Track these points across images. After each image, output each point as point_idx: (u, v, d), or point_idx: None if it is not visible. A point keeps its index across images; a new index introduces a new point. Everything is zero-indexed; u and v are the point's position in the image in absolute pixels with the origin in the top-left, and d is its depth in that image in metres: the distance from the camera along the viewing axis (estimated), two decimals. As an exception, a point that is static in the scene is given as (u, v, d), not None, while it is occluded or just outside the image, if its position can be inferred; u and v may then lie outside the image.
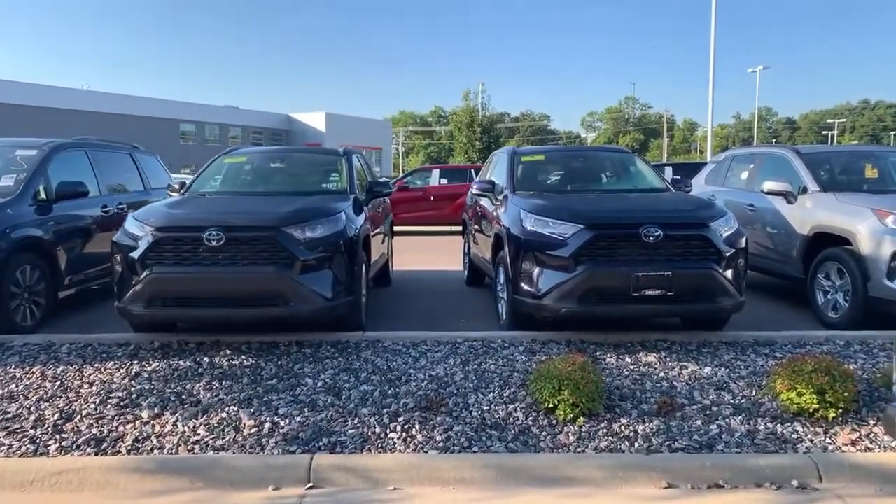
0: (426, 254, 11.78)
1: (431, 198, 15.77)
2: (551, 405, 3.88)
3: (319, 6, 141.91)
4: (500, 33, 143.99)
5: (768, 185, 6.49)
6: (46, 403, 4.05)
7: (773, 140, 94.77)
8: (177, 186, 6.19)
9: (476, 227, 7.19)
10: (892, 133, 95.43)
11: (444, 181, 16.15)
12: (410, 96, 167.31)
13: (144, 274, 4.68)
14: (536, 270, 4.90)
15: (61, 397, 4.14)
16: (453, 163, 47.23)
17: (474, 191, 6.51)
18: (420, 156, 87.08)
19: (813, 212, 6.09)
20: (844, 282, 5.65)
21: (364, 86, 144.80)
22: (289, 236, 4.76)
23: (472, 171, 16.81)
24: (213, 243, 4.63)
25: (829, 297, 5.88)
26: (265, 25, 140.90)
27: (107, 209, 6.86)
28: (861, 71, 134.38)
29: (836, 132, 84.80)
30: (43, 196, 5.99)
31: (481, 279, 7.97)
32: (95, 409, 3.98)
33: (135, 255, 4.74)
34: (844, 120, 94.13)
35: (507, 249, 5.24)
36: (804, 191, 6.32)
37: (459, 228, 16.04)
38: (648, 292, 4.69)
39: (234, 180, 6.37)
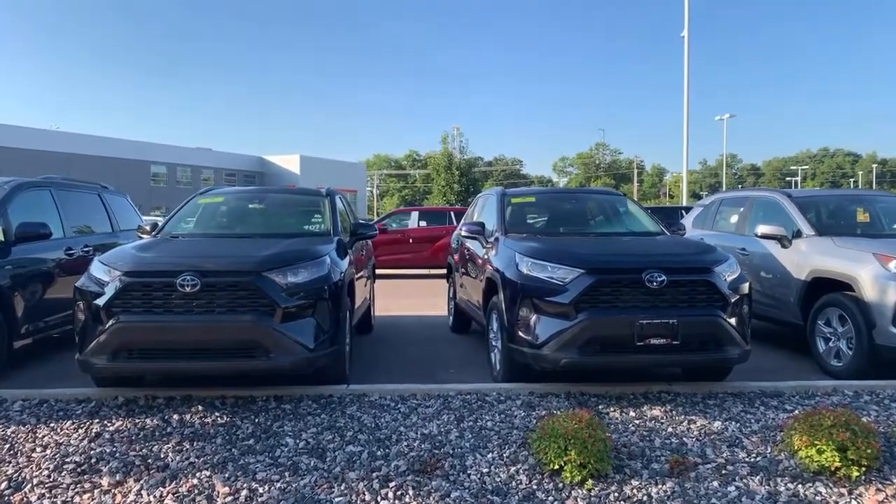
0: (406, 298, 11.46)
1: (410, 240, 15.52)
2: (557, 466, 3.57)
3: (293, 48, 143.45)
4: (473, 79, 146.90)
5: (761, 229, 6.36)
6: (-8, 470, 3.60)
7: (739, 186, 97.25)
8: (147, 228, 5.81)
9: (463, 270, 6.92)
10: (851, 179, 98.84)
11: (423, 223, 15.94)
12: (385, 140, 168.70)
13: (110, 323, 4.29)
14: (534, 318, 4.63)
15: (10, 463, 3.69)
16: (428, 205, 47.25)
17: (463, 233, 6.26)
18: (394, 198, 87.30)
19: (809, 256, 5.96)
20: (847, 329, 5.48)
21: (338, 129, 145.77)
22: (270, 282, 4.42)
23: (452, 213, 16.66)
24: (187, 289, 4.27)
25: (830, 344, 5.69)
26: (239, 67, 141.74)
27: (71, 252, 6.44)
28: (820, 121, 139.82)
29: (799, 178, 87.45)
30: (1, 238, 5.57)
31: (467, 325, 7.66)
32: (49, 476, 3.54)
33: (100, 302, 4.35)
34: (807, 167, 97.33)
35: (501, 295, 4.97)
36: (798, 234, 6.20)
37: (439, 272, 15.88)
38: (653, 341, 4.43)
39: (210, 222, 6.03)
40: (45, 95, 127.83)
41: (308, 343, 4.49)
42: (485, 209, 6.81)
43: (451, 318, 8.02)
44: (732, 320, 4.60)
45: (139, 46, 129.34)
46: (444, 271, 15.43)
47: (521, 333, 4.71)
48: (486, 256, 5.75)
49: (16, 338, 5.56)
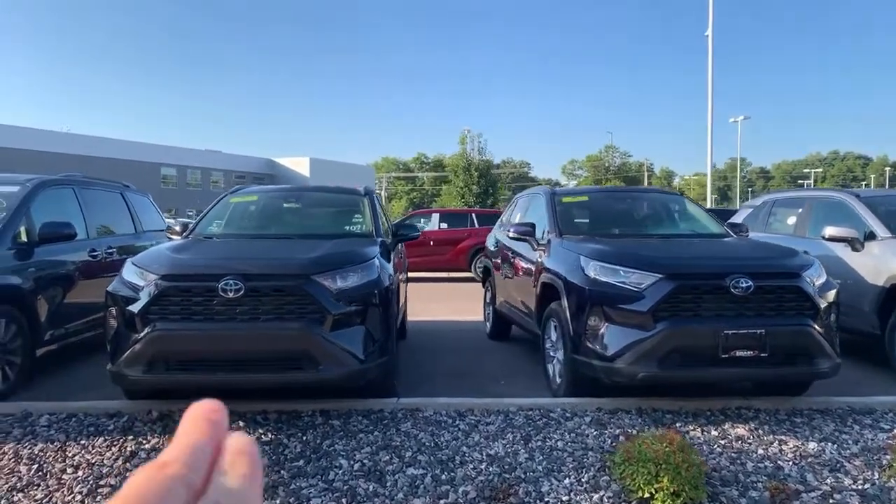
0: (432, 302, 11.07)
1: (431, 243, 15.13)
2: (647, 494, 3.20)
3: (295, 51, 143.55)
4: (477, 80, 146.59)
5: (830, 231, 5.96)
6: (21, 494, 3.26)
7: (749, 189, 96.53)
8: (178, 228, 5.46)
9: (507, 274, 6.54)
10: (863, 183, 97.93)
11: (444, 225, 15.56)
12: (392, 142, 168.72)
13: (146, 331, 3.92)
14: (605, 327, 4.24)
15: (39, 486, 3.34)
16: (436, 207, 46.83)
17: (510, 234, 5.86)
18: (403, 201, 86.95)
19: (886, 260, 5.55)
20: (935, 339, 5.07)
21: (347, 132, 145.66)
22: (319, 286, 4.05)
23: (474, 215, 16.29)
24: (230, 294, 3.91)
25: (914, 355, 5.28)
26: (247, 70, 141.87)
27: (95, 253, 6.10)
28: (830, 123, 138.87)
29: (812, 181, 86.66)
30: (24, 239, 5.23)
31: (507, 332, 7.28)
32: (82, 501, 3.20)
33: (134, 308, 3.99)
34: (819, 170, 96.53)
35: (564, 302, 4.57)
36: (871, 237, 5.80)
37: (460, 275, 15.52)
38: (739, 353, 4.04)
39: (244, 222, 5.67)
40: (45, 96, 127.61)
41: (359, 353, 4.12)
42: (530, 210, 6.43)
43: (488, 324, 7.64)
44: (823, 330, 4.21)
45: (142, 47, 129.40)
46: (466, 274, 15.24)
47: (588, 344, 4.32)
48: (538, 260, 5.36)
49: (39, 344, 5.21)
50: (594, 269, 4.41)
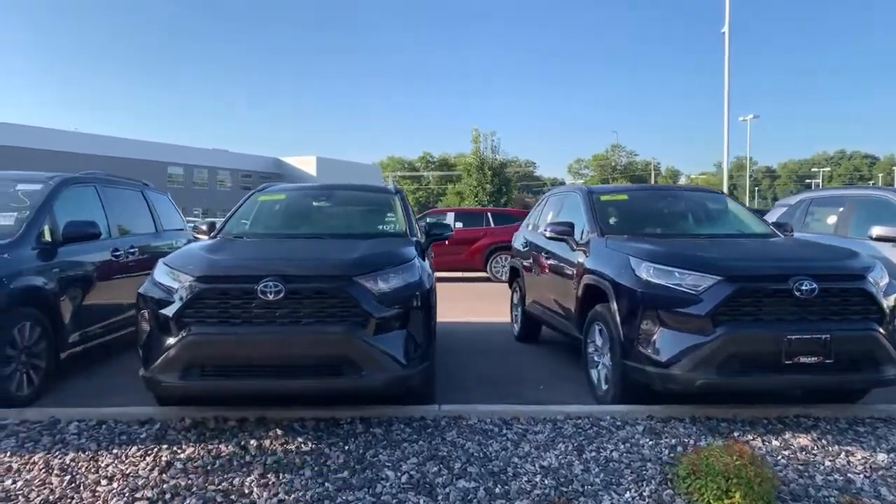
0: (450, 303, 10.88)
1: (446, 242, 14.94)
2: (717, 510, 3.01)
3: (306, 52, 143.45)
4: (479, 80, 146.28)
5: (878, 231, 5.77)
6: (54, 508, 3.08)
7: (756, 189, 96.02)
8: (204, 227, 5.27)
9: (540, 275, 6.34)
10: (870, 182, 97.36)
11: (459, 225, 15.37)
12: (397, 142, 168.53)
13: (181, 335, 3.75)
14: (659, 331, 4.04)
15: (72, 498, 3.17)
16: (442, 206, 46.60)
17: (547, 234, 5.66)
18: (409, 200, 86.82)
19: (939, 261, 5.34)
20: None
21: (348, 131, 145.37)
22: (361, 288, 3.87)
23: (489, 214, 16.12)
24: (270, 296, 3.73)
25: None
26: (247, 70, 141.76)
27: (118, 253, 5.94)
28: (836, 122, 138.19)
29: (820, 181, 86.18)
30: (48, 238, 5.05)
31: (536, 334, 7.10)
32: (119, 515, 3.02)
33: (169, 311, 3.81)
34: (827, 169, 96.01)
35: (613, 305, 4.38)
36: (920, 237, 5.59)
37: (474, 275, 15.33)
38: (802, 359, 3.84)
39: (275, 221, 5.49)
40: (45, 96, 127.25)
41: (402, 358, 3.93)
42: (564, 209, 6.23)
43: (515, 326, 7.45)
44: (888, 334, 4.01)
45: (142, 47, 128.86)
46: (481, 274, 15.05)
47: (641, 349, 4.12)
48: (579, 261, 5.17)
49: (64, 347, 5.04)
50: (646, 271, 4.22)
